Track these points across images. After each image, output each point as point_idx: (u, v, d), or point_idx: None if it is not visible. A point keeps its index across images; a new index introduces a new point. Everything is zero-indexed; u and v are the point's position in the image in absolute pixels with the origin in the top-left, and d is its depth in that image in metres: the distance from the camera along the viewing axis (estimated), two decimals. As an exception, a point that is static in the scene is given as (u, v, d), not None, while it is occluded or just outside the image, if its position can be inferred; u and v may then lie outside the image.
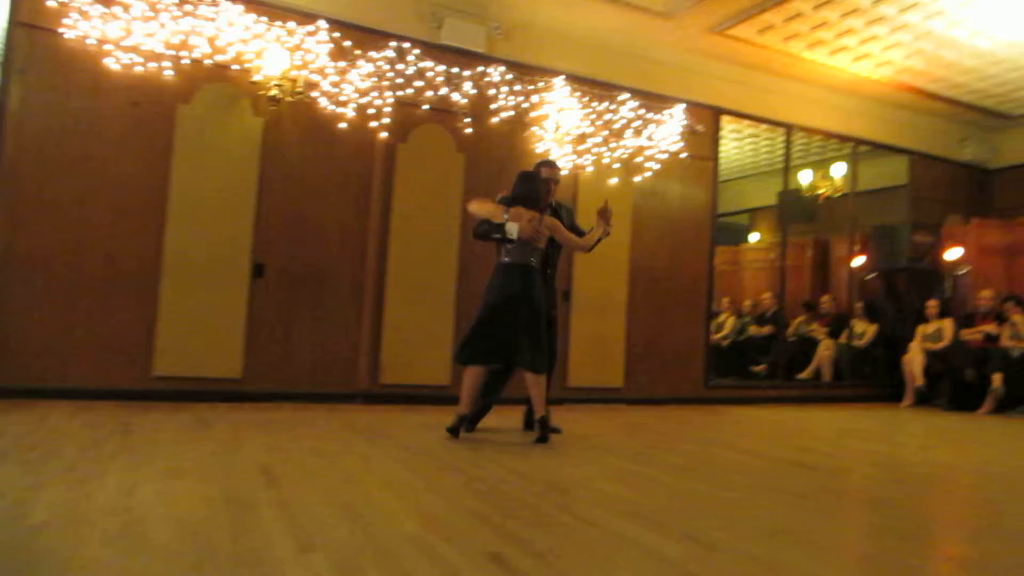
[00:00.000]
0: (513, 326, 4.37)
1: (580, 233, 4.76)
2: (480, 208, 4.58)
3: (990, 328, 8.01)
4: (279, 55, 5.61)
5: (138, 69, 5.40)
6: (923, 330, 8.48)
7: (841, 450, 5.02)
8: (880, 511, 3.23)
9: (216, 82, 5.66)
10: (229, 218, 5.69)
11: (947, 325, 8.33)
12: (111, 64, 5.32)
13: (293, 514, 2.52)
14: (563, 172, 4.93)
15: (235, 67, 5.67)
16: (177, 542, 2.16)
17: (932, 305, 8.53)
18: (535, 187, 4.55)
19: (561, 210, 4.82)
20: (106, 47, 5.30)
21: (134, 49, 5.38)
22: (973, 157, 9.53)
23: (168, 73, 5.49)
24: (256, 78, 5.59)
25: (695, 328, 7.58)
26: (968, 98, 8.47)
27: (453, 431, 4.38)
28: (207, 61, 5.59)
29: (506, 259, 4.47)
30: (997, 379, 7.51)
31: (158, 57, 5.45)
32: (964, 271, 8.99)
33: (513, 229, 4.35)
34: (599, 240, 4.65)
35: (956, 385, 7.99)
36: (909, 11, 6.35)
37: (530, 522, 2.63)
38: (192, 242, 5.54)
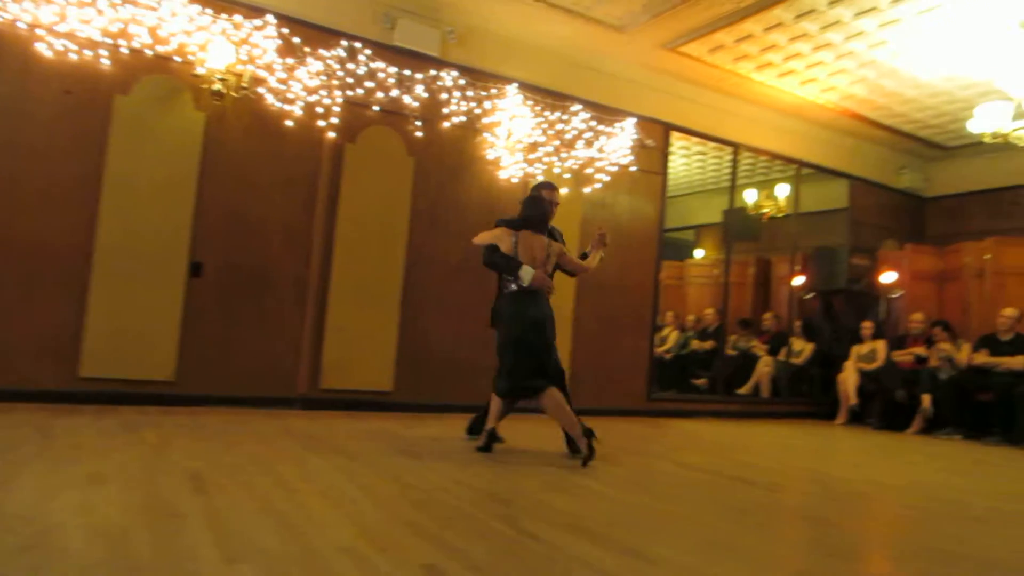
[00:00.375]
0: (539, 349, 4.39)
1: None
2: (485, 236, 4.58)
3: (920, 350, 8.25)
4: (224, 48, 5.45)
5: (72, 57, 5.18)
6: (858, 350, 8.70)
7: (778, 465, 5.08)
8: (814, 527, 3.26)
9: (157, 73, 5.47)
10: (166, 214, 5.49)
11: (880, 346, 8.57)
12: (43, 50, 5.09)
13: (222, 523, 2.41)
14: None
15: (177, 59, 5.49)
16: (94, 552, 2.04)
17: (867, 326, 8.77)
18: (543, 211, 4.58)
19: (555, 233, 4.84)
20: (38, 31, 5.07)
21: (69, 36, 5.16)
22: (909, 185, 9.86)
23: (105, 62, 5.28)
24: (199, 71, 5.43)
25: (640, 341, 7.63)
26: (907, 127, 8.76)
27: (587, 455, 4.17)
28: (147, 51, 5.40)
29: (514, 286, 4.48)
30: (927, 400, 7.74)
31: (94, 45, 5.24)
32: (898, 295, 9.26)
33: (527, 277, 4.38)
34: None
35: (887, 405, 8.21)
36: (854, 39, 6.53)
37: (468, 533, 2.56)
38: (126, 237, 5.33)
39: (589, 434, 4.25)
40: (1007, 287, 8.37)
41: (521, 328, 4.39)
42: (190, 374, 5.51)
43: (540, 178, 6.89)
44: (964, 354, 7.87)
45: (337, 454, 3.97)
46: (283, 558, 2.10)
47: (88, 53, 5.22)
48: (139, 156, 5.39)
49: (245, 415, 5.25)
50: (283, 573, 1.97)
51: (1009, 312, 7.64)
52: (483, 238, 4.59)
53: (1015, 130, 6.14)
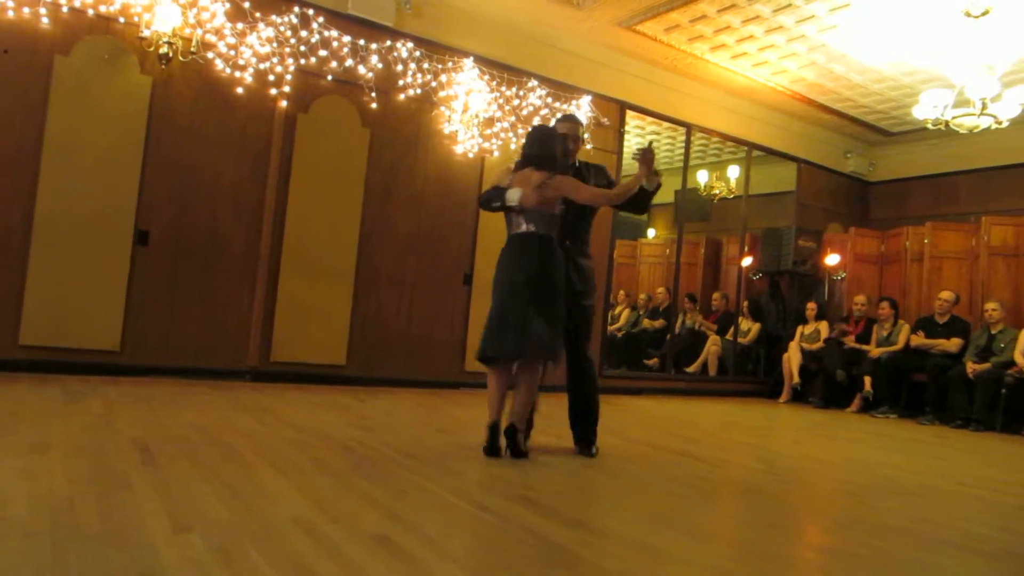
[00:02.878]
0: (528, 309, 3.57)
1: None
2: (491, 177, 3.91)
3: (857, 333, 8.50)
4: (171, 11, 5.28)
5: (10, 14, 4.97)
6: (802, 330, 8.94)
7: (723, 442, 5.21)
8: (755, 500, 3.36)
9: (100, 34, 5.28)
10: (111, 180, 5.33)
11: (823, 327, 8.81)
12: (-21, 6, 4.89)
13: (170, 493, 2.39)
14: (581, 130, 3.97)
15: (121, 20, 5.30)
16: (37, 521, 2.00)
17: (811, 307, 9.00)
18: (549, 145, 3.72)
19: (588, 171, 3.95)
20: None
21: (6, -8, 4.96)
22: (854, 169, 10.11)
23: (44, 21, 5.07)
24: (145, 34, 5.26)
25: (594, 319, 7.68)
26: (853, 112, 8.96)
27: (490, 449, 3.54)
28: (90, 11, 5.21)
29: (519, 230, 3.68)
30: (867, 381, 7.99)
31: (34, 3, 5.03)
32: (841, 276, 9.53)
33: (514, 196, 3.59)
34: (643, 194, 3.78)
35: (828, 384, 8.47)
36: (805, 23, 6.63)
37: (420, 505, 2.59)
38: (68, 205, 5.16)
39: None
40: (944, 271, 8.67)
41: (505, 280, 3.67)
42: (135, 344, 5.40)
43: (496, 154, 6.88)
44: (904, 334, 8.12)
45: (288, 426, 3.95)
46: (234, 528, 2.10)
47: (27, 11, 5.02)
48: (82, 120, 5.21)
49: (193, 386, 5.18)
50: (234, 542, 1.97)
51: (946, 295, 7.92)
52: (489, 181, 3.96)
53: (955, 117, 6.33)
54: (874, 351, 8.09)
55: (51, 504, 2.15)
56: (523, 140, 3.87)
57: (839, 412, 8.04)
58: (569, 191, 3.68)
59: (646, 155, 3.66)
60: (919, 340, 7.93)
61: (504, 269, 3.70)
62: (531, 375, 3.68)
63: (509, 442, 3.58)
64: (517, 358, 3.65)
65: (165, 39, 5.26)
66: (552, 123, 4.04)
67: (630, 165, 10.40)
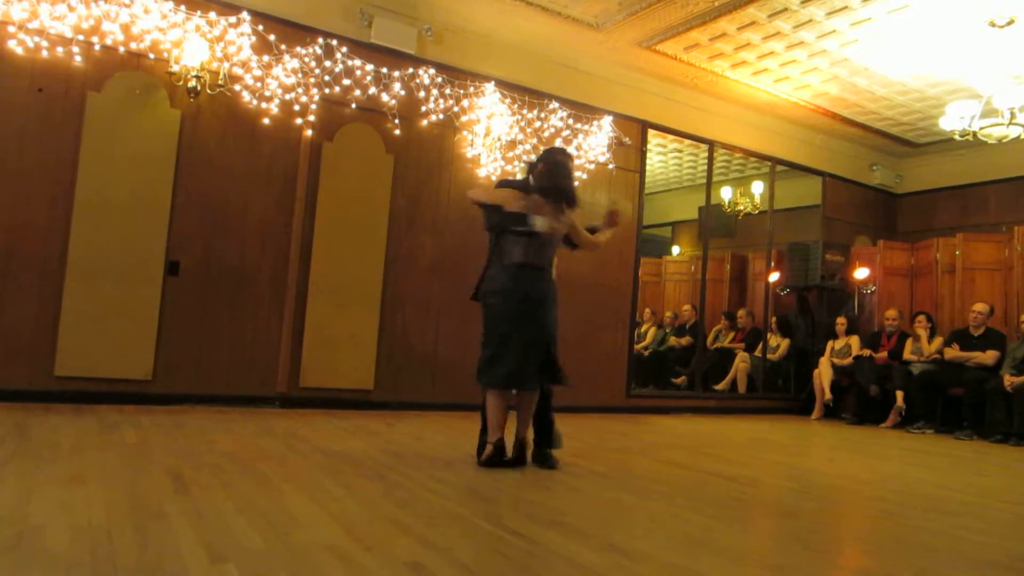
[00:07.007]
0: (533, 339, 3.80)
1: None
2: (487, 194, 3.93)
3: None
4: (199, 46, 5.41)
5: (44, 54, 5.12)
6: (833, 345, 8.83)
7: (755, 460, 5.14)
8: (790, 521, 3.31)
9: (130, 70, 5.41)
10: (142, 213, 5.44)
11: (854, 342, 8.70)
12: (14, 47, 5.02)
13: (204, 522, 2.41)
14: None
15: (151, 56, 5.44)
16: (77, 552, 2.02)
17: (841, 322, 8.89)
18: (568, 183, 3.85)
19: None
20: (9, 28, 5.01)
21: (40, 32, 5.09)
22: (881, 182, 10.02)
23: (77, 59, 5.22)
24: (174, 68, 5.38)
25: (619, 338, 7.67)
26: (878, 125, 8.89)
27: (497, 462, 3.79)
28: (121, 49, 5.35)
29: (518, 260, 3.76)
30: (899, 396, 7.86)
31: (66, 42, 5.18)
32: (870, 290, 9.41)
33: (541, 223, 3.66)
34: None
35: (861, 399, 8.34)
36: (826, 38, 6.61)
37: (452, 531, 2.58)
38: (101, 236, 5.27)
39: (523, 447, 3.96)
40: (976, 282, 8.53)
41: (509, 309, 3.77)
42: (168, 373, 5.47)
43: (519, 176, 6.91)
44: (935, 345, 7.99)
45: (318, 452, 3.97)
46: (269, 557, 2.11)
47: (60, 50, 5.17)
48: (114, 154, 5.33)
49: (224, 414, 5.23)
50: (269, 572, 1.98)
51: (980, 307, 7.77)
52: (484, 196, 3.94)
53: (983, 128, 6.26)
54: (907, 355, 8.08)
55: (91, 536, 2.17)
56: (536, 165, 3.95)
57: (873, 428, 7.91)
58: (574, 233, 3.95)
59: (615, 217, 4.10)
60: (954, 353, 7.79)
61: (515, 299, 3.80)
62: (535, 395, 3.94)
63: (537, 454, 3.99)
64: (539, 384, 3.92)
65: (193, 73, 5.38)
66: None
67: (652, 183, 10.41)
